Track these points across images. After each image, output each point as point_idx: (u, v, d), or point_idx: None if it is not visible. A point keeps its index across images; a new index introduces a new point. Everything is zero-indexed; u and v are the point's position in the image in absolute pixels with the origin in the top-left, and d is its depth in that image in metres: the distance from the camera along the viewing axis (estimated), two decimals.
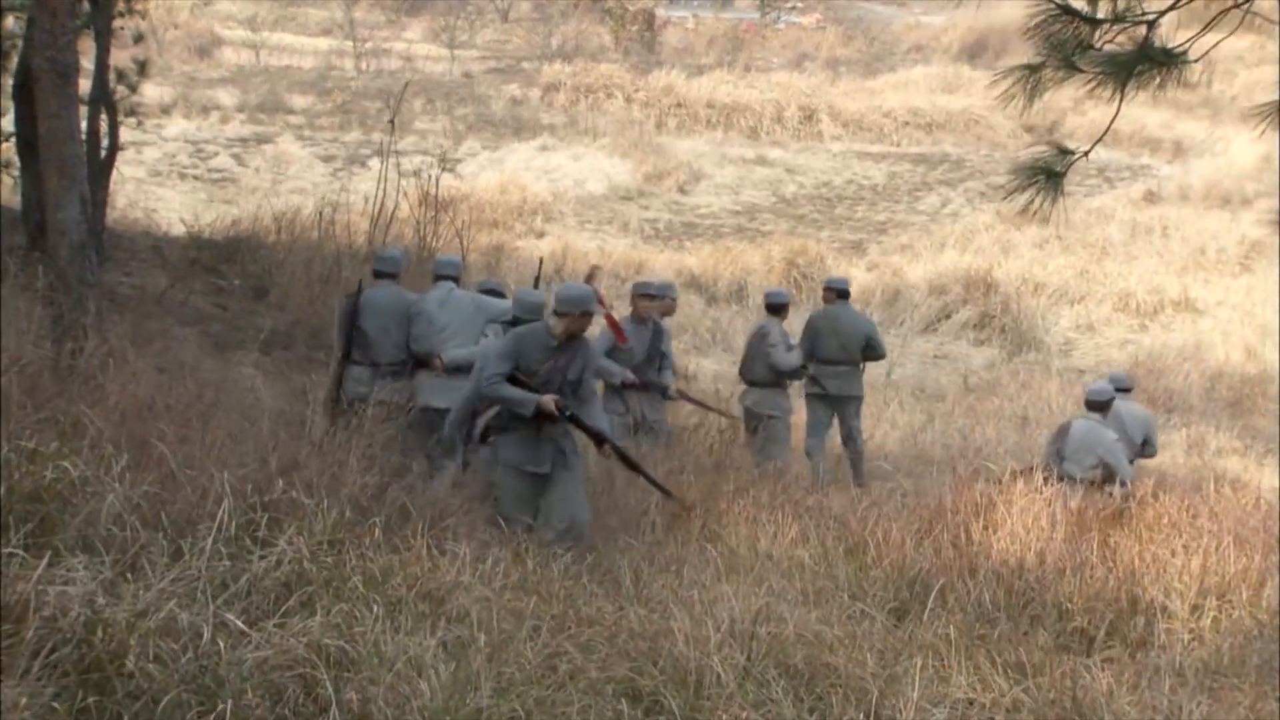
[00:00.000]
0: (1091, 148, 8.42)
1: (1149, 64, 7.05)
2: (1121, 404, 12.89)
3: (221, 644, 6.42)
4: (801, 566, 8.98)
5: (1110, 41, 7.55)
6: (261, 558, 7.31)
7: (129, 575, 6.84)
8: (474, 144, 39.56)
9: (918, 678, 6.86)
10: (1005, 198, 7.22)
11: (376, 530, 8.06)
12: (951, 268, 26.79)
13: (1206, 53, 7.58)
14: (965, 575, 8.98)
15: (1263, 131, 7.62)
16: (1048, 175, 7.71)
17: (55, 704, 5.84)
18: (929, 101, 43.83)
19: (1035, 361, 22.91)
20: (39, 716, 5.74)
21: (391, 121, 17.95)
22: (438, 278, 11.43)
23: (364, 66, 45.59)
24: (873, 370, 18.91)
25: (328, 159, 37.20)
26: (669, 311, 12.98)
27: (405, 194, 34.05)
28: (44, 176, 10.25)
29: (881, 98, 43.92)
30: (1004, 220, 32.81)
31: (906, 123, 42.97)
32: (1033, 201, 7.05)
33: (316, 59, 46.79)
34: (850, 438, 14.21)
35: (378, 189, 16.56)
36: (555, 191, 35.19)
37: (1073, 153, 8.16)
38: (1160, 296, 26.05)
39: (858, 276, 27.55)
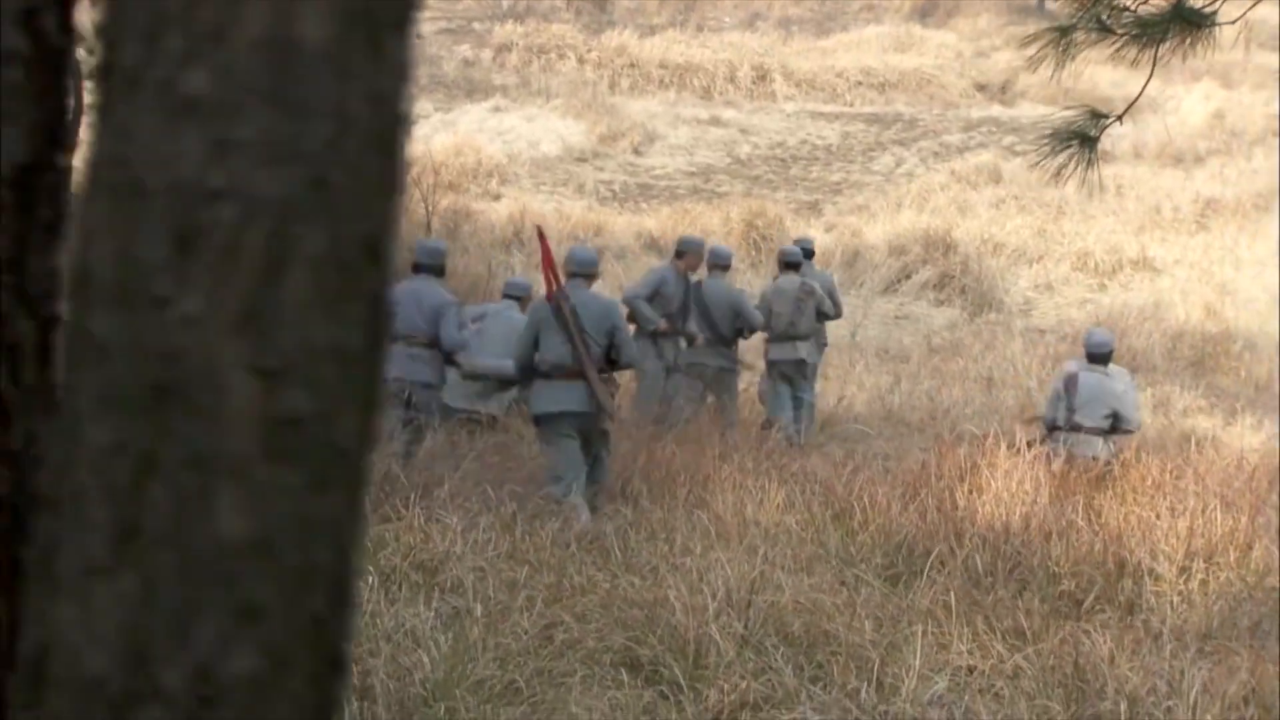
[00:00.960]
0: (1125, 111, 8.33)
1: (1182, 25, 6.98)
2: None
3: None
4: (789, 533, 8.96)
5: (1144, 3, 7.48)
6: None
7: None
8: (426, 105, 39.24)
9: (920, 645, 6.84)
10: (1037, 163, 7.13)
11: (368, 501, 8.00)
12: (910, 228, 26.77)
13: (1241, 16, 7.52)
14: (953, 540, 8.97)
15: None
16: (1081, 140, 7.61)
17: None
18: (881, 61, 43.76)
19: (996, 322, 22.94)
20: None
21: None
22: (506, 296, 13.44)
23: None
24: (836, 331, 18.96)
25: None
26: (694, 266, 13.66)
27: None
28: None
29: (834, 57, 43.82)
30: (959, 180, 32.84)
31: (859, 82, 42.88)
32: (1065, 166, 6.96)
33: None
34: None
35: None
36: (510, 153, 34.98)
37: (1106, 116, 8.07)
38: (1118, 256, 26.09)
39: (817, 238, 27.52)
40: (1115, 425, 12.08)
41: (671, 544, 8.44)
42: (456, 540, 7.73)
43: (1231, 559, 8.76)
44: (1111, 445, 11.66)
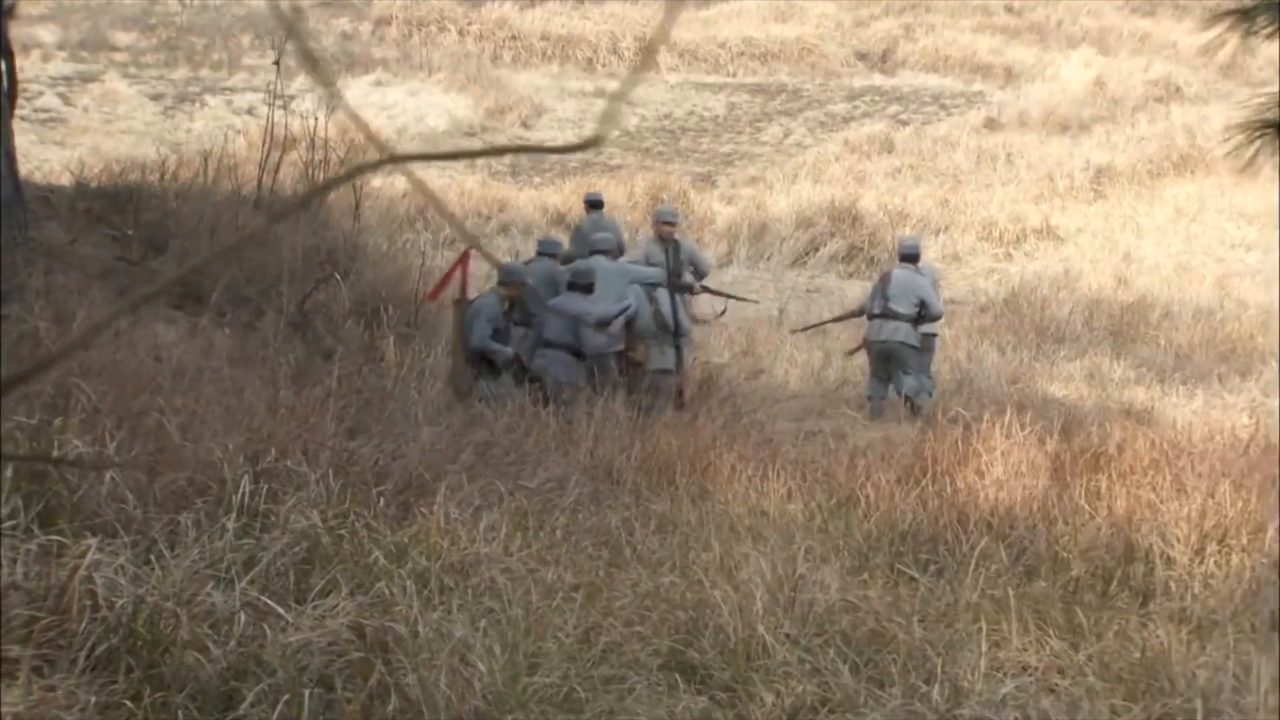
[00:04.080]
0: None
1: None
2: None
3: (263, 627, 6.14)
4: (796, 523, 8.77)
5: None
6: (276, 534, 6.97)
7: (151, 557, 6.47)
8: (305, 80, 38.57)
9: (984, 644, 6.67)
10: (1228, 154, 6.86)
11: (382, 500, 7.73)
12: (815, 199, 26.68)
13: None
14: (957, 527, 8.84)
15: None
16: (1278, 129, 7.25)
17: (108, 695, 5.52)
18: (762, 31, 43.66)
19: None
20: (100, 709, 5.41)
21: (276, 63, 17.24)
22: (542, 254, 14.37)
23: (189, 1, 44.24)
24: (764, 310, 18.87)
25: (156, 97, 36.05)
26: (665, 234, 14.97)
27: (242, 133, 33.08)
28: None
29: (715, 27, 43.64)
30: (853, 150, 32.87)
31: (741, 53, 42.76)
32: (1259, 156, 6.69)
33: None
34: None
35: (267, 133, 15.93)
36: (397, 128, 34.50)
37: None
38: (1022, 225, 26.20)
39: (719, 211, 27.39)
40: (921, 313, 14.65)
41: (686, 538, 8.21)
42: (479, 539, 7.45)
43: (1243, 541, 8.66)
44: (918, 330, 14.62)
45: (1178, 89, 37.96)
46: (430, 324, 14.55)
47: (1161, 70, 38.97)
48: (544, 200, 27.30)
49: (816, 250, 25.08)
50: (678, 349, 13.61)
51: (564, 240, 16.62)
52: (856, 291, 23.19)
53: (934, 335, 15.51)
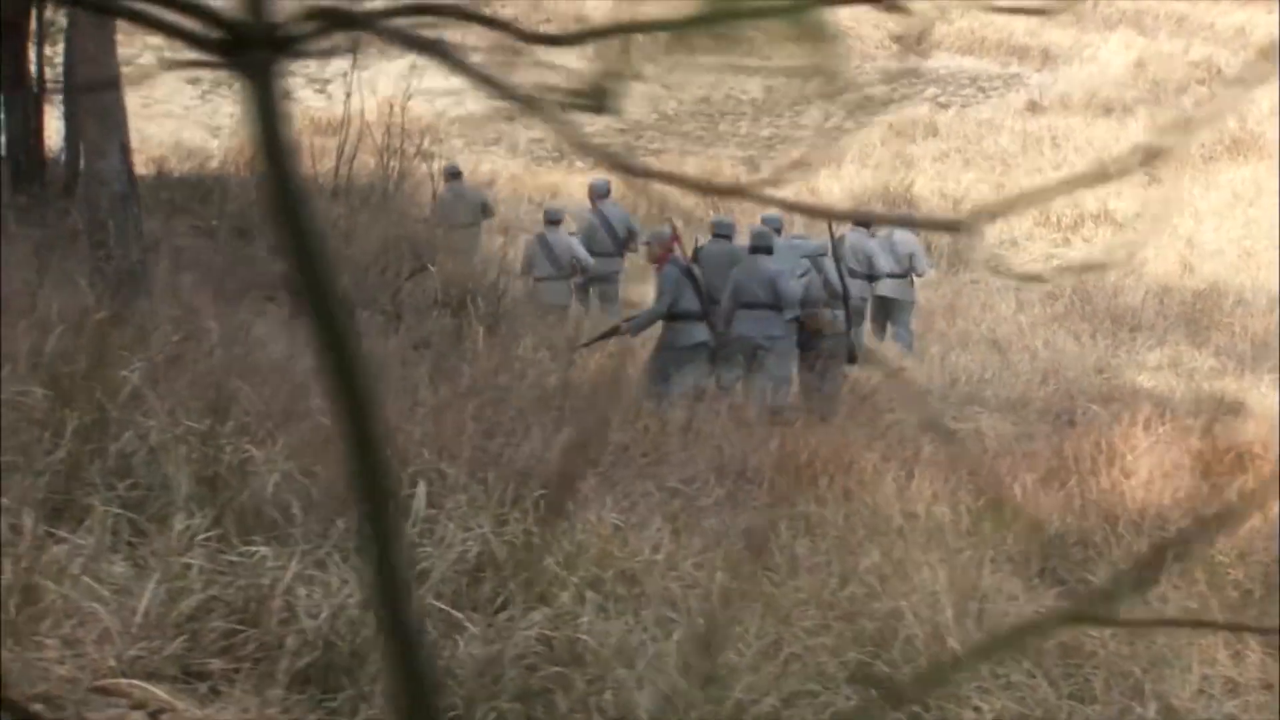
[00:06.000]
0: None
1: None
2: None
3: (453, 639, 5.93)
4: (941, 526, 8.53)
5: None
6: (447, 540, 6.75)
7: (325, 564, 6.26)
8: (340, 63, 38.29)
9: (1196, 660, 6.44)
10: None
11: (540, 504, 7.50)
12: (868, 184, 26.43)
13: None
14: (1106, 529, 8.61)
15: None
16: None
17: (323, 712, 5.32)
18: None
19: (974, 280, 22.61)
20: None
21: (353, 50, 17.01)
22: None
23: None
24: None
25: (194, 81, 35.77)
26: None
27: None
28: (81, 124, 9.46)
29: None
30: (897, 134, 32.57)
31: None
32: None
33: None
34: None
35: (344, 119, 15.71)
36: (436, 111, 34.18)
37: None
38: (1079, 209, 25.90)
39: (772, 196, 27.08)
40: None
41: (841, 541, 7.98)
42: (645, 545, 7.22)
43: None
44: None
45: (1219, 71, 37.62)
46: (513, 314, 14.36)
47: (1202, 52, 38.63)
48: None
49: (874, 236, 24.77)
50: (846, 314, 14.23)
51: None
52: (917, 281, 22.97)
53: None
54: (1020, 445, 10.42)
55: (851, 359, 14.05)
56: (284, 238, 1.16)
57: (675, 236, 14.35)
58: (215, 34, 1.16)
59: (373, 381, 1.18)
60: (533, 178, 27.59)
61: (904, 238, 18.22)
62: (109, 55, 9.20)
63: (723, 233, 14.84)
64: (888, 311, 17.94)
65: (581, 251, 16.67)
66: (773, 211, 14.98)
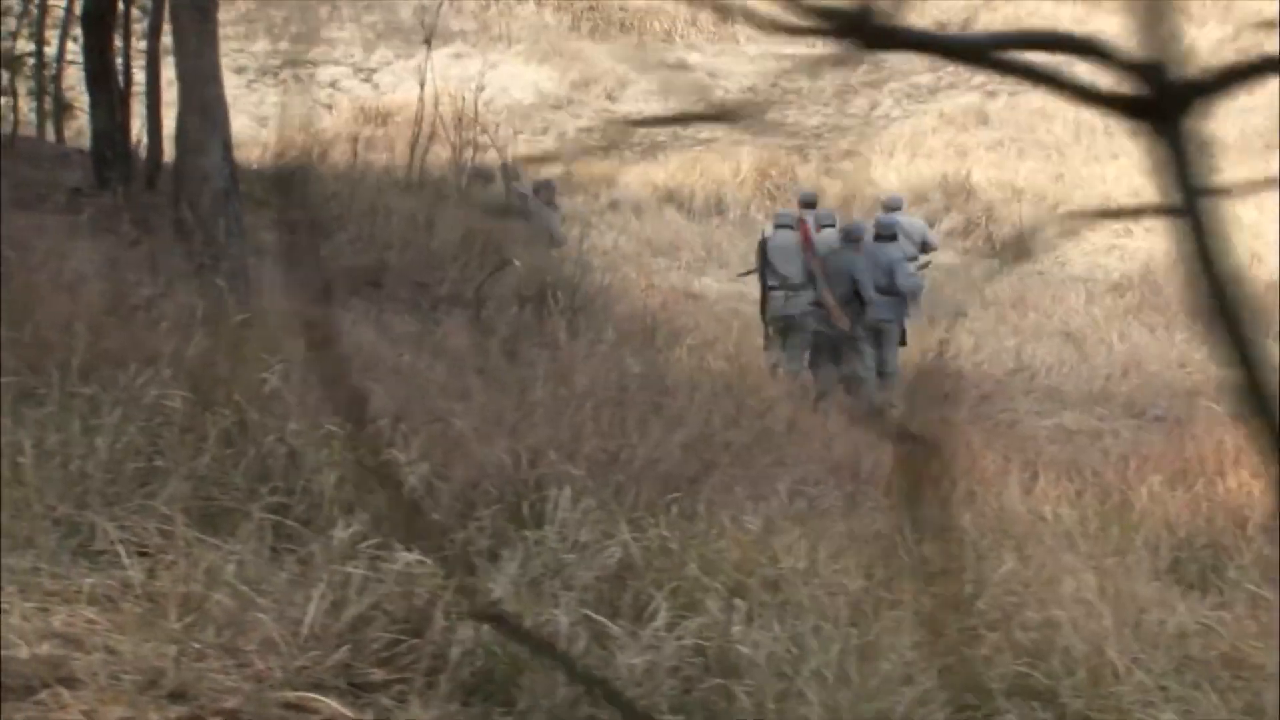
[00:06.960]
0: None
1: None
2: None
3: (608, 648, 5.76)
4: (1069, 531, 8.35)
5: None
6: (589, 544, 6.59)
7: (475, 570, 6.10)
8: (386, 53, 38.23)
9: None
10: None
11: (673, 508, 7.33)
12: (923, 174, 26.23)
13: None
14: (1236, 532, 8.42)
15: None
16: None
17: None
18: (840, 1, 43.13)
19: (1036, 272, 22.40)
20: None
21: (428, 41, 16.89)
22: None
23: None
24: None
25: (239, 70, 35.67)
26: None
27: (331, 108, 32.63)
28: (183, 120, 9.30)
29: None
30: (948, 123, 32.35)
31: None
32: None
33: None
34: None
35: (419, 113, 15.58)
36: (482, 101, 34.04)
37: None
38: (1140, 199, 25.50)
39: (824, 185, 26.91)
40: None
41: (971, 546, 7.79)
42: (783, 551, 7.05)
43: None
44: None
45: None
46: (591, 309, 14.22)
47: (1251, 39, 38.30)
48: (650, 176, 26.87)
49: (932, 226, 24.59)
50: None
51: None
52: (979, 271, 22.79)
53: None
54: (1139, 445, 10.22)
55: (903, 341, 14.52)
56: (1212, 316, 0.99)
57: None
58: (1127, 90, 0.99)
59: None
60: (586, 168, 27.41)
61: (912, 220, 18.42)
62: (211, 50, 9.06)
63: (826, 222, 15.48)
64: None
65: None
66: (895, 193, 16.01)
